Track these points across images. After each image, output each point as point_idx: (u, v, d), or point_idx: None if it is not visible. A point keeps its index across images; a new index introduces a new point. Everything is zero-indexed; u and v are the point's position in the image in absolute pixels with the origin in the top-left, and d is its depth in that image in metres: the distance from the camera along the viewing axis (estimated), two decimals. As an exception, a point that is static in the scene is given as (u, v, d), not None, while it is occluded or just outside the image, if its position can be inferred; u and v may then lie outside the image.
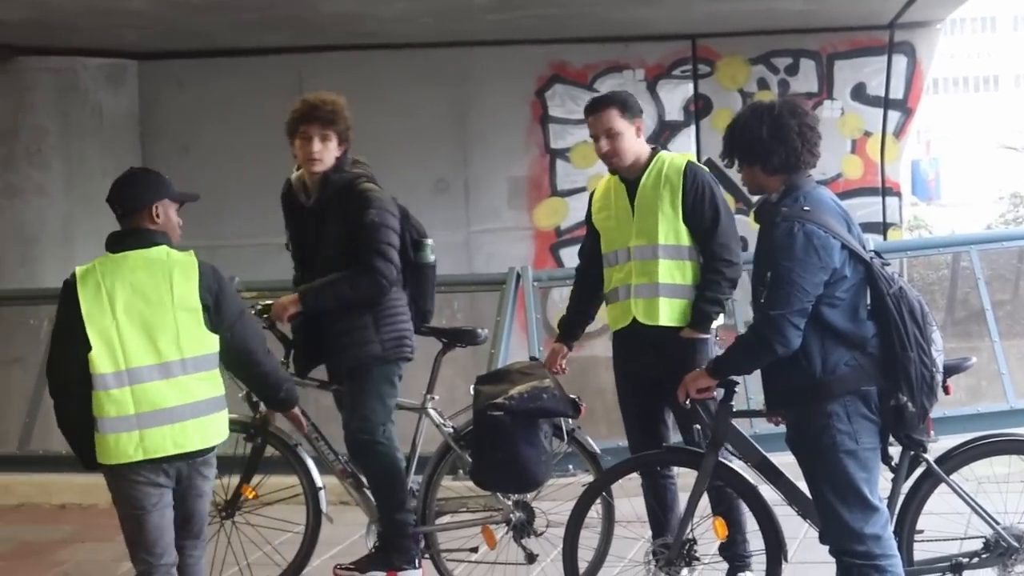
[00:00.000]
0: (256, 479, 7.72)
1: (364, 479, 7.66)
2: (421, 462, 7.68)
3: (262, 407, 7.60)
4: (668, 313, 7.20)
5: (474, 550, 7.66)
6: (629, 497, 7.39)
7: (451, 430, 7.63)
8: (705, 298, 7.18)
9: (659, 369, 7.15)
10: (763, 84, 15.84)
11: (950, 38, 74.21)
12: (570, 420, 7.37)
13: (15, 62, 15.18)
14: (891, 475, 6.22)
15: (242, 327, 6.21)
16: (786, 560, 6.58)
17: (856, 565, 5.91)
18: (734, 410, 6.47)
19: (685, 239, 7.22)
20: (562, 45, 15.92)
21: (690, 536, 6.82)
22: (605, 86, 15.28)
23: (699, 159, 15.32)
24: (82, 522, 10.02)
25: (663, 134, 15.83)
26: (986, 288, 11.36)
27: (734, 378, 6.35)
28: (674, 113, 15.98)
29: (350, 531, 8.40)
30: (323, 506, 7.74)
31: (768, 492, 6.57)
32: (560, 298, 11.56)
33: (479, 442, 7.22)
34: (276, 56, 15.77)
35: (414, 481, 7.65)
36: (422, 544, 7.58)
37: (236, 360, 6.30)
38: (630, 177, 7.34)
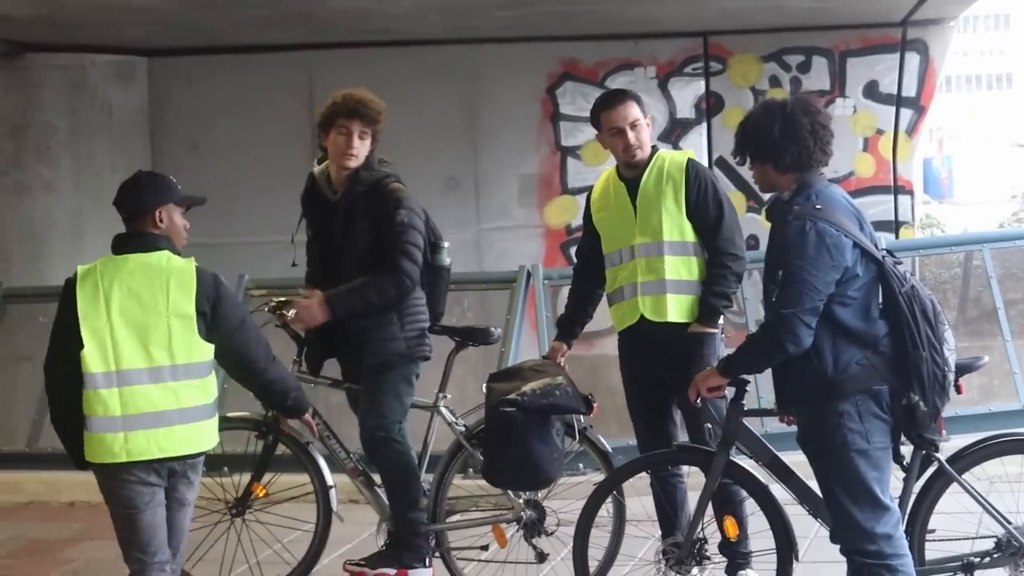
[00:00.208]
0: (267, 477, 7.70)
1: (375, 477, 7.66)
2: (432, 460, 7.68)
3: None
4: (676, 309, 7.20)
5: (484, 548, 7.65)
6: (640, 496, 7.38)
7: (463, 428, 7.63)
8: (712, 292, 7.20)
9: (667, 367, 7.15)
10: (775, 82, 15.79)
11: (963, 36, 74.23)
12: (582, 418, 7.36)
13: (24, 59, 15.17)
14: (903, 474, 6.21)
15: (242, 335, 6.22)
16: (797, 559, 6.57)
17: (867, 564, 5.89)
18: (745, 409, 6.45)
19: (690, 235, 7.24)
20: (573, 42, 15.89)
21: (700, 535, 6.81)
22: (616, 83, 15.24)
23: (710, 157, 15.38)
24: (91, 520, 10.00)
25: (674, 132, 15.80)
26: (998, 287, 11.34)
27: (745, 377, 6.34)
28: (685, 111, 15.93)
29: (360, 529, 8.39)
30: (333, 505, 7.73)
31: (779, 491, 6.55)
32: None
33: (491, 439, 7.22)
34: (286, 53, 15.75)
35: (425, 480, 7.64)
36: (432, 542, 7.57)
37: (239, 369, 6.34)
38: (629, 176, 7.35)
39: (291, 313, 7.44)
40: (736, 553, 7.20)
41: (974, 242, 13.01)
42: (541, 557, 7.53)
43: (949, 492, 6.35)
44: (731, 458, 6.53)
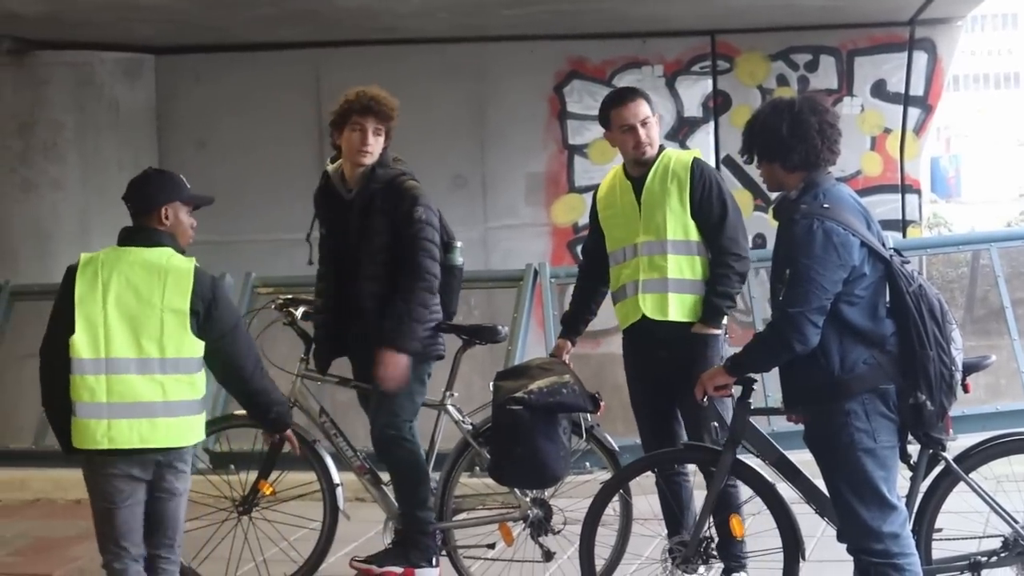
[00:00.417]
0: (274, 475, 7.71)
1: (382, 475, 7.66)
2: (439, 459, 7.67)
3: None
4: (678, 308, 7.20)
5: (491, 547, 7.64)
6: (646, 495, 7.38)
7: (470, 427, 7.62)
8: (716, 292, 7.19)
9: (669, 367, 7.15)
10: (783, 80, 15.79)
11: (971, 35, 74.22)
12: (589, 416, 7.36)
13: (31, 56, 15.18)
14: (909, 473, 6.20)
15: (233, 340, 6.24)
16: (804, 558, 6.55)
17: (874, 564, 5.88)
18: (752, 407, 6.45)
19: (693, 234, 7.23)
20: (580, 41, 15.89)
21: (707, 534, 6.81)
22: (623, 82, 15.24)
23: (718, 155, 15.38)
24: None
25: (682, 130, 15.81)
26: (1006, 286, 11.33)
27: (752, 376, 6.33)
28: (693, 109, 15.93)
29: (366, 528, 8.40)
30: (340, 503, 7.73)
31: (785, 490, 6.54)
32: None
33: (498, 437, 7.22)
34: (293, 51, 15.77)
35: (431, 478, 7.63)
36: (439, 541, 7.57)
37: (225, 374, 6.35)
38: (636, 174, 7.35)
39: (380, 383, 7.39)
40: (731, 555, 7.18)
41: (981, 241, 13.02)
42: (548, 555, 7.52)
43: (956, 491, 6.33)
44: (738, 457, 6.53)
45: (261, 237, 14.99)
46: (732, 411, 6.53)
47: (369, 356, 7.41)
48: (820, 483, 6.18)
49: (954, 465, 6.27)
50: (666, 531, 7.35)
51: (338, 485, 7.74)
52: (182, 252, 6.21)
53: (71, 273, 6.12)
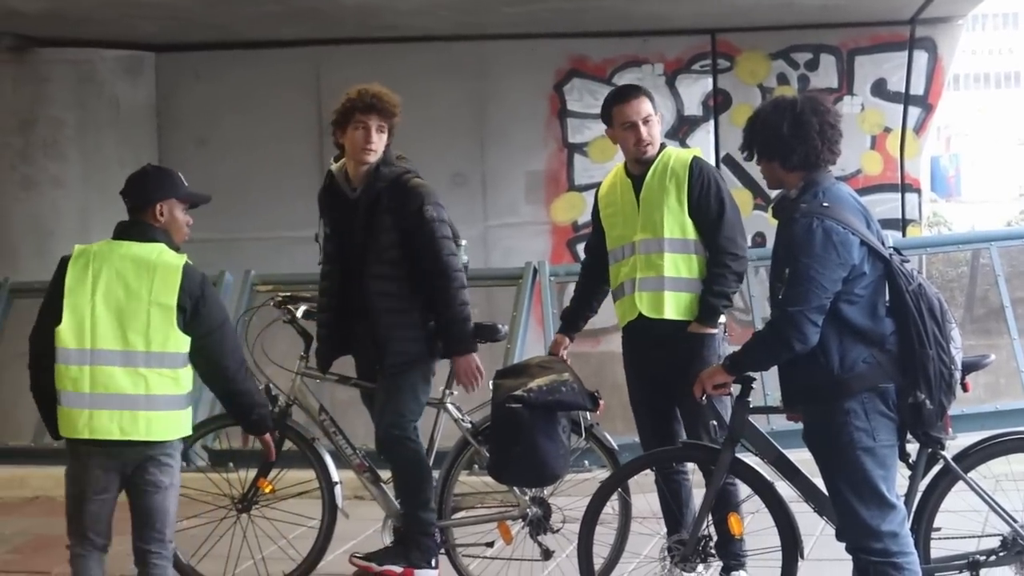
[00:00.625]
0: (273, 473, 7.71)
1: (382, 474, 7.67)
2: (438, 457, 7.67)
3: (280, 400, 7.61)
4: (674, 307, 7.19)
5: (490, 545, 7.64)
6: (645, 493, 7.38)
7: (469, 425, 7.62)
8: (712, 291, 7.18)
9: (667, 365, 7.15)
10: (783, 79, 15.80)
11: (971, 34, 74.06)
12: (588, 415, 7.36)
13: (32, 53, 15.19)
14: (908, 472, 6.20)
15: (218, 339, 6.23)
16: (802, 557, 6.55)
17: (873, 562, 5.88)
18: (751, 406, 6.45)
19: (691, 233, 7.22)
20: (581, 39, 15.90)
21: (706, 533, 6.80)
22: (624, 80, 15.23)
23: (718, 154, 15.38)
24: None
25: (682, 129, 15.81)
26: (1005, 285, 11.33)
27: (751, 374, 6.33)
28: (693, 108, 15.94)
29: (365, 526, 8.39)
30: (339, 501, 7.74)
31: (784, 489, 6.54)
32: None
33: (498, 435, 7.23)
34: (294, 49, 15.78)
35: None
36: (438, 539, 7.57)
37: (208, 372, 6.32)
38: (637, 172, 7.35)
39: (460, 387, 7.52)
40: (730, 554, 7.18)
41: (981, 240, 13.02)
42: (547, 554, 7.53)
43: (955, 490, 6.33)
44: (736, 455, 6.53)
45: (262, 235, 14.98)
46: (731, 410, 6.54)
47: (381, 355, 7.43)
48: (819, 482, 6.18)
49: (953, 464, 6.27)
50: (665, 529, 7.34)
51: (337, 483, 7.75)
52: (176, 249, 6.23)
53: (64, 263, 6.16)
